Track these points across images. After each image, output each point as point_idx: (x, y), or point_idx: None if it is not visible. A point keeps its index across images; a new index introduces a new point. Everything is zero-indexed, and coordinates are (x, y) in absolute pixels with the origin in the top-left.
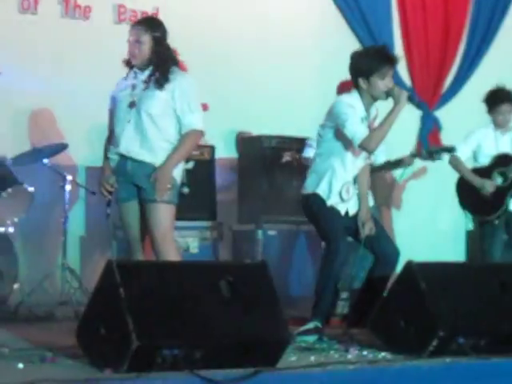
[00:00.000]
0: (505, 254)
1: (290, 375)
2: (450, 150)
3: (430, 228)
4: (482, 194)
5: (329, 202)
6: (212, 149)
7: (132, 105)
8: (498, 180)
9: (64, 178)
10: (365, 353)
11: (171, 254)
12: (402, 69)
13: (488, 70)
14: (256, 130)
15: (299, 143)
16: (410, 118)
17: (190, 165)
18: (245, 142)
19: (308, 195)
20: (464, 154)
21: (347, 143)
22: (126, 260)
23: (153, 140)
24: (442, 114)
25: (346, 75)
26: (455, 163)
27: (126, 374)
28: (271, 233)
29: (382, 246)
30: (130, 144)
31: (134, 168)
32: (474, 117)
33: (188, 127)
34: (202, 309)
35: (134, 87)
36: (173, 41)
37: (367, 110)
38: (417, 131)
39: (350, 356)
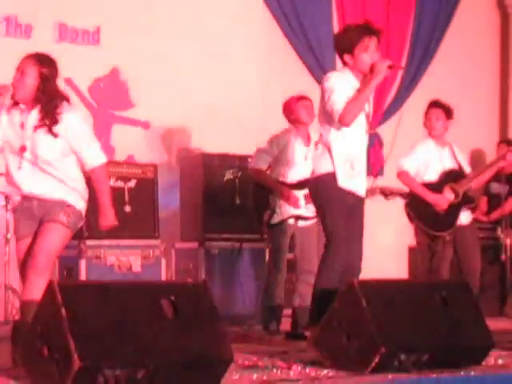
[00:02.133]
0: (451, 270)
1: None
2: (403, 195)
3: (373, 244)
4: (435, 210)
5: (336, 179)
6: (154, 167)
7: (23, 149)
8: (450, 196)
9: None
10: (307, 370)
11: None
12: None
13: (428, 88)
14: (198, 147)
15: (241, 161)
16: None
17: (132, 183)
18: (187, 160)
19: (317, 177)
20: (411, 168)
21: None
22: (68, 280)
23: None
24: (385, 130)
25: (288, 94)
26: (405, 179)
27: None
28: (214, 251)
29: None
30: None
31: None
32: (415, 133)
33: (93, 164)
34: (144, 329)
35: (22, 127)
36: (115, 59)
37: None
38: None
39: (292, 373)
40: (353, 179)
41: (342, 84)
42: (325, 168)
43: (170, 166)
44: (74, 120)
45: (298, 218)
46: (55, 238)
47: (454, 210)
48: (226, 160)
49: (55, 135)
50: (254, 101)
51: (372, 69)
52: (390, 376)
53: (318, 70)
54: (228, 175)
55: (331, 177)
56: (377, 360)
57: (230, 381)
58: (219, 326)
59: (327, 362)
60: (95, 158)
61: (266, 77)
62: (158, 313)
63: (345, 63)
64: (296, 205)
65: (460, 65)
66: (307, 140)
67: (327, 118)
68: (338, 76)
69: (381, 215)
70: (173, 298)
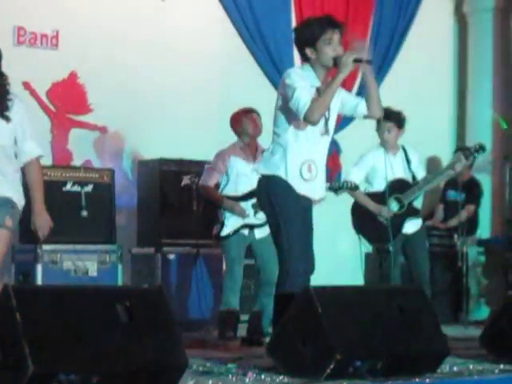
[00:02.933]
0: (403, 276)
1: None
2: (353, 187)
3: (330, 251)
4: (378, 221)
5: (289, 182)
6: (111, 172)
7: None
8: (394, 206)
9: None
10: (263, 376)
11: None
12: None
13: (385, 95)
14: (155, 153)
15: (198, 166)
16: None
17: (89, 188)
18: (144, 165)
19: (267, 177)
20: (357, 177)
21: (295, 117)
22: (23, 284)
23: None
24: (342, 137)
25: (245, 101)
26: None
27: None
28: (170, 256)
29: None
30: None
31: None
32: (371, 140)
33: (31, 155)
34: (99, 334)
35: None
36: (73, 63)
37: (321, 80)
38: None
39: (247, 380)
40: (308, 182)
41: (304, 80)
42: (278, 169)
43: (128, 170)
44: (23, 108)
45: (251, 228)
46: (2, 246)
47: (397, 220)
48: (183, 165)
49: (7, 119)
50: (213, 107)
51: (336, 62)
52: (344, 383)
53: (277, 78)
54: (185, 180)
55: (283, 179)
56: (332, 367)
57: None
58: (174, 332)
59: (282, 369)
60: (35, 149)
61: (225, 83)
62: (112, 318)
63: (305, 58)
64: (242, 215)
65: (418, 71)
66: (255, 153)
67: (287, 116)
68: (299, 72)
69: (338, 222)
70: (128, 303)
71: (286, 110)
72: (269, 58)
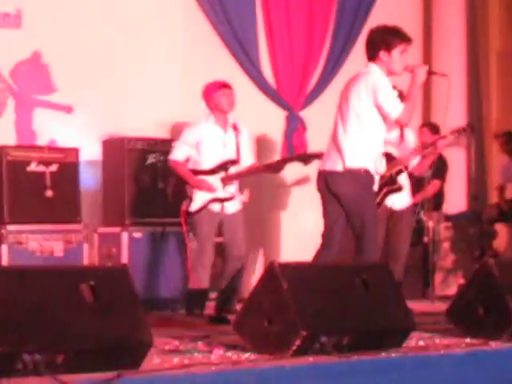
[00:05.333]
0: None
1: (152, 378)
2: (322, 157)
3: (297, 228)
4: None
5: (372, 172)
6: (76, 151)
7: None
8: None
9: None
10: (229, 354)
11: None
12: (267, 70)
13: (351, 72)
14: (121, 132)
15: (164, 145)
16: (275, 118)
17: (54, 167)
18: (109, 144)
19: (351, 171)
20: None
21: (382, 117)
22: None
23: None
24: (307, 114)
25: (209, 77)
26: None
27: None
28: (137, 235)
29: None
30: None
31: None
32: None
33: None
34: (63, 313)
35: None
36: (37, 43)
37: None
38: (282, 131)
39: (213, 357)
40: (377, 176)
41: (389, 83)
42: (357, 163)
43: (93, 150)
44: None
45: (221, 202)
46: None
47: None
48: (148, 144)
49: None
50: (178, 85)
51: (410, 71)
52: (311, 359)
53: (243, 57)
54: (150, 159)
55: (364, 172)
56: (298, 343)
57: (151, 365)
58: (139, 311)
59: (249, 346)
60: None
61: (190, 62)
62: (76, 297)
63: (372, 56)
64: (210, 190)
65: None
66: (225, 127)
67: (373, 114)
68: (383, 74)
69: (305, 200)
70: (92, 282)
71: (369, 109)
72: (231, 31)
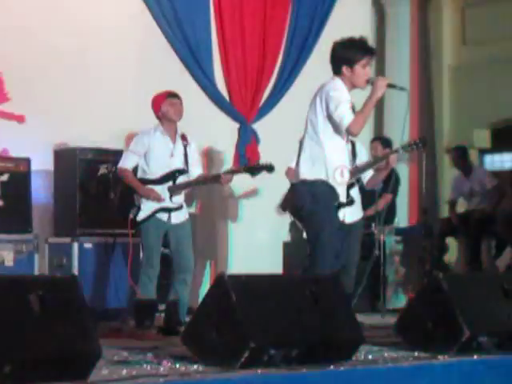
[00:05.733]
0: None
1: None
2: (270, 169)
3: (249, 239)
4: None
5: (331, 183)
6: (27, 161)
7: None
8: None
9: None
10: (177, 365)
11: None
12: (220, 82)
13: (304, 84)
14: (73, 142)
15: (115, 156)
16: (228, 130)
17: (5, 177)
18: (60, 154)
19: (306, 182)
20: None
21: (334, 127)
22: None
23: None
24: (260, 126)
25: (162, 88)
26: (289, 175)
27: None
28: (87, 245)
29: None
30: None
31: None
32: (290, 129)
33: None
34: (10, 323)
35: None
36: None
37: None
38: (234, 143)
39: (162, 369)
40: (340, 186)
41: (347, 94)
42: (317, 174)
43: (45, 160)
44: None
45: (169, 212)
46: None
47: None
48: (100, 154)
49: None
50: (131, 96)
51: (368, 81)
52: (259, 371)
53: (197, 69)
54: (102, 170)
55: (324, 183)
56: (246, 355)
57: (100, 376)
58: (88, 321)
59: (197, 358)
60: None
61: (143, 73)
62: (24, 307)
63: (337, 72)
64: (157, 199)
65: None
66: (174, 137)
67: (325, 124)
68: (343, 87)
69: (256, 211)
70: (40, 292)
71: (324, 120)
72: (185, 43)
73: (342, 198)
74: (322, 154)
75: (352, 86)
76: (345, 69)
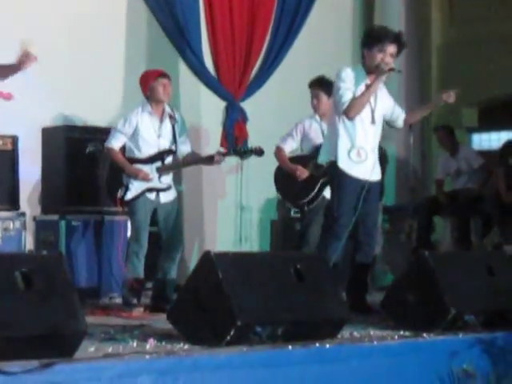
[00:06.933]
0: None
1: (86, 366)
2: (259, 153)
3: (237, 217)
4: (296, 181)
5: (340, 165)
6: (14, 139)
7: None
8: (311, 168)
9: None
10: (163, 343)
11: None
12: (208, 60)
13: (292, 64)
14: (60, 120)
15: (103, 133)
16: (215, 108)
17: None
18: (48, 132)
19: (327, 164)
20: (289, 147)
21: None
22: None
23: None
24: (248, 105)
25: (150, 66)
26: (278, 155)
27: None
28: (75, 223)
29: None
30: None
31: None
32: (278, 108)
33: None
34: None
35: None
36: None
37: (370, 79)
38: (222, 121)
39: (148, 346)
40: (358, 165)
41: (351, 80)
42: (330, 155)
43: (32, 137)
44: None
45: (157, 191)
46: None
47: (313, 182)
48: (87, 132)
49: None
50: (119, 74)
51: (377, 67)
52: (245, 348)
53: (185, 47)
54: (90, 147)
55: (335, 164)
56: (232, 333)
57: (86, 353)
58: (74, 299)
59: (183, 336)
60: None
61: (131, 50)
62: (10, 284)
63: (362, 57)
64: (146, 179)
65: (324, 41)
66: (161, 116)
67: (338, 107)
68: (349, 72)
69: (244, 189)
70: (25, 269)
71: (334, 103)
72: (173, 21)
73: (371, 176)
74: (334, 135)
75: (369, 70)
76: (364, 51)
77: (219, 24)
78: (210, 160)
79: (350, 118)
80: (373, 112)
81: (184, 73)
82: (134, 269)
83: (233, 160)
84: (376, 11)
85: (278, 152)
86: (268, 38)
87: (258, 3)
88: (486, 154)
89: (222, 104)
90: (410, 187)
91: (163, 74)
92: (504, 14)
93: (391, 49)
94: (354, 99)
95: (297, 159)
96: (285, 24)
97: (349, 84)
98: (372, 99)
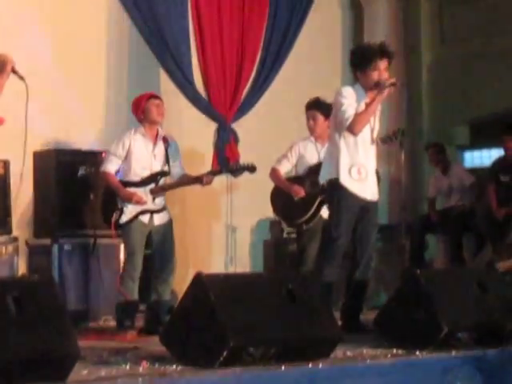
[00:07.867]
0: None
1: None
2: (252, 170)
3: (231, 238)
4: (293, 201)
5: (341, 181)
6: (6, 163)
7: None
8: (308, 187)
9: None
10: (156, 365)
11: None
12: (199, 82)
13: (282, 85)
14: (52, 144)
15: (94, 157)
16: (206, 130)
17: None
18: (40, 156)
19: (327, 183)
20: (285, 168)
21: (339, 126)
22: None
23: None
24: (239, 126)
25: (140, 89)
26: (274, 176)
27: None
28: (67, 247)
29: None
30: None
31: None
32: (269, 129)
33: None
34: None
35: None
36: None
37: (369, 97)
38: (213, 143)
39: (141, 369)
40: (359, 183)
41: (352, 98)
42: (331, 173)
43: (24, 161)
44: None
45: (151, 213)
46: None
47: (311, 199)
48: (78, 156)
49: None
50: (108, 97)
51: (377, 85)
52: (238, 370)
53: (175, 69)
54: (81, 171)
55: (336, 182)
56: (225, 354)
57: (79, 377)
58: (66, 322)
59: (176, 357)
60: None
61: (120, 73)
62: (2, 309)
63: (356, 79)
64: (139, 202)
65: (314, 62)
66: (155, 138)
67: (338, 127)
68: (350, 91)
69: (236, 209)
70: (16, 294)
71: (335, 121)
72: (162, 42)
73: (370, 196)
74: (334, 153)
75: (369, 89)
76: (358, 74)
77: (209, 46)
78: (199, 181)
79: (355, 134)
80: (372, 131)
81: (174, 96)
82: (128, 291)
83: (224, 181)
84: (365, 31)
85: (274, 172)
86: (258, 59)
87: (248, 25)
88: (477, 172)
89: (214, 126)
90: (402, 206)
91: (155, 96)
92: (494, 31)
93: (383, 64)
94: (357, 114)
95: (292, 180)
96: (275, 45)
97: (351, 100)
98: (371, 119)
